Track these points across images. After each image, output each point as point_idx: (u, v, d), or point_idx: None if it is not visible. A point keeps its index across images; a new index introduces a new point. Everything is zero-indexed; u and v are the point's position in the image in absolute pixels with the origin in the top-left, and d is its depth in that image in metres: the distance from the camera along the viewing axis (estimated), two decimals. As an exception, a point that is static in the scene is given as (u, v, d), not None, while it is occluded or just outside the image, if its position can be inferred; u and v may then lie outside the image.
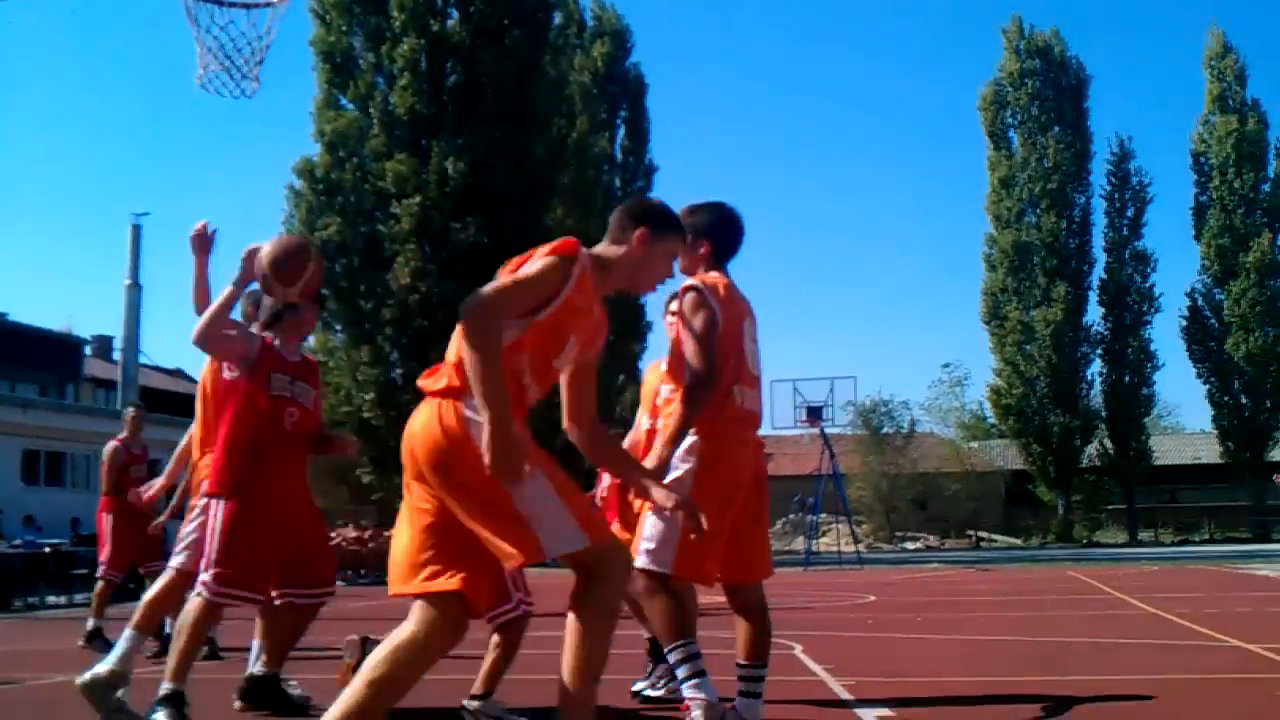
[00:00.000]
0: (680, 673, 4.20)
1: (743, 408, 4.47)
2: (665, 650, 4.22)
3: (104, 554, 9.72)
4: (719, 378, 4.27)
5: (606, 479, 6.95)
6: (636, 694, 6.04)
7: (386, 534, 23.82)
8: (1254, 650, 7.71)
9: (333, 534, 23.72)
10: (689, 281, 4.35)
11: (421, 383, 3.50)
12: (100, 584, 9.70)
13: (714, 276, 4.46)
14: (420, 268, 29.75)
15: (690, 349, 4.24)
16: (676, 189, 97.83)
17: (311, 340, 34.97)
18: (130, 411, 10.59)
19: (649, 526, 4.28)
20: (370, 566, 23.85)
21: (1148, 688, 6.47)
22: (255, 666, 5.67)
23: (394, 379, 31.28)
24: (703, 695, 4.16)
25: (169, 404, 39.06)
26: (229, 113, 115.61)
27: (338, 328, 31.53)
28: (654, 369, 6.19)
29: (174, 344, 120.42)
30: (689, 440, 4.30)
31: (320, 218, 30.61)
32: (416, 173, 30.27)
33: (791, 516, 45.02)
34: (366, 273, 30.38)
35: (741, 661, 4.56)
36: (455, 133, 30.62)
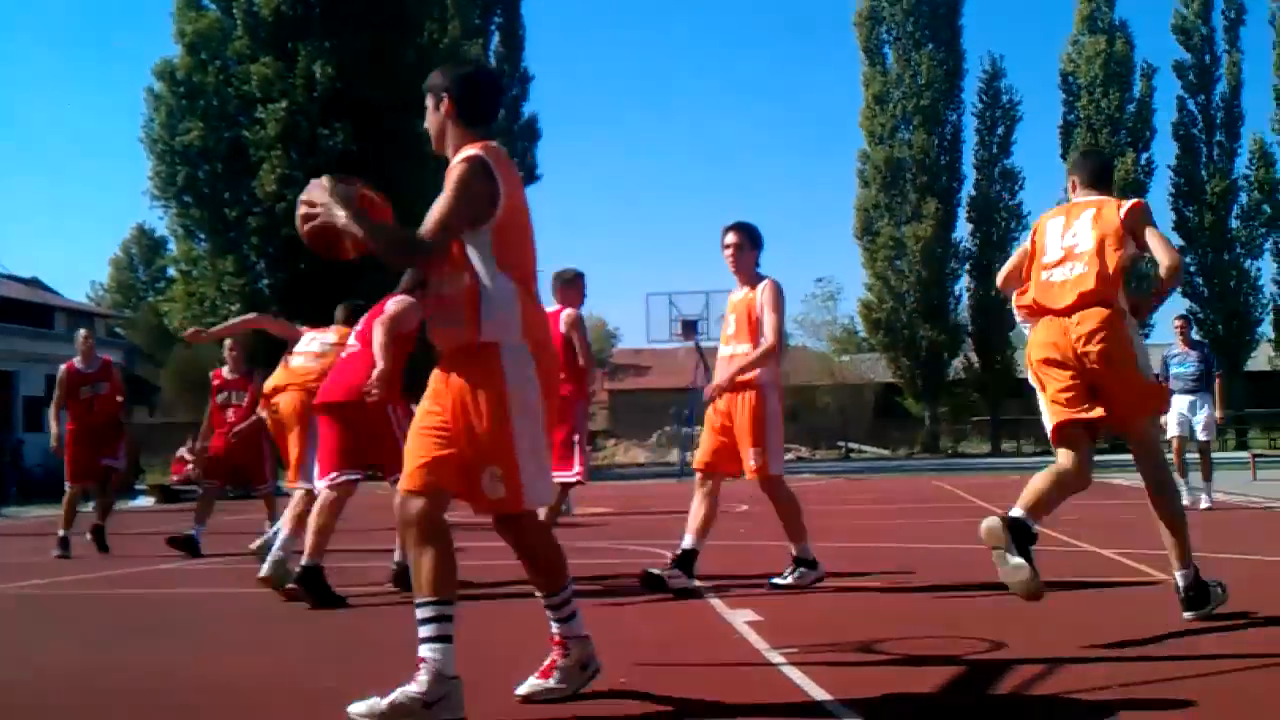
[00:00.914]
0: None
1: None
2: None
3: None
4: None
5: None
6: (772, 584, 6.65)
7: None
8: (1106, 554, 7.95)
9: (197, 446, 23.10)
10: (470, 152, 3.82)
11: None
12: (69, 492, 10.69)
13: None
14: (287, 175, 28.87)
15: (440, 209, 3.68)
16: (553, 99, 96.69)
17: (174, 248, 33.96)
18: (81, 335, 11.19)
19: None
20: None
21: (1003, 591, 6.61)
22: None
23: (260, 289, 30.48)
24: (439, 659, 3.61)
25: (25, 313, 37.65)
26: (83, 10, 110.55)
27: (201, 236, 30.57)
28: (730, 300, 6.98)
29: (30, 251, 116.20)
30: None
31: (181, 122, 29.48)
32: (282, 76, 29.31)
33: (667, 429, 45.40)
34: (231, 179, 29.42)
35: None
36: (322, 35, 29.66)
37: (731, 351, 6.73)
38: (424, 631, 3.58)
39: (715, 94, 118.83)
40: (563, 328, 8.27)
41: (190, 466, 22.95)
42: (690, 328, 27.30)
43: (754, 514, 13.21)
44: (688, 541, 6.64)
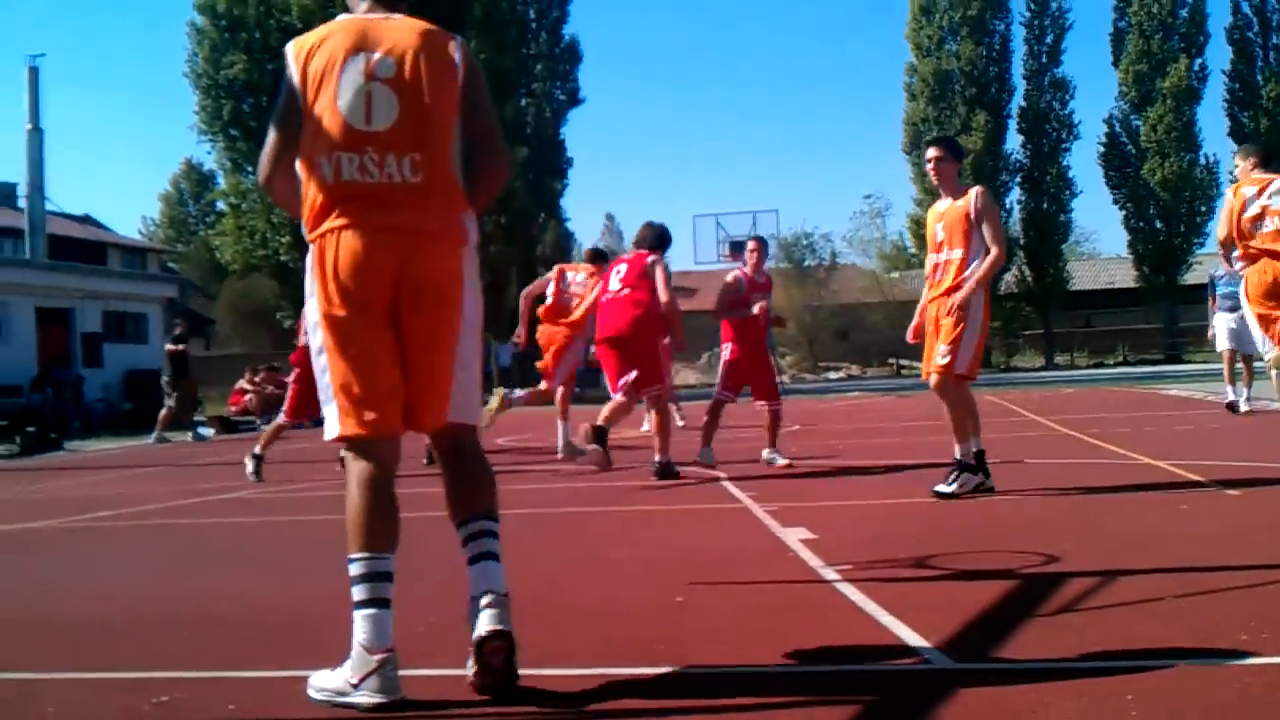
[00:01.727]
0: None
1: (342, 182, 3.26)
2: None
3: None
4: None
5: None
6: (937, 494, 6.86)
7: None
8: (1161, 465, 7.92)
9: (256, 378, 23.34)
10: None
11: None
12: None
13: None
14: (332, 105, 28.90)
15: None
16: (594, 21, 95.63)
17: (222, 182, 34.18)
18: None
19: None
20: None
21: (1058, 503, 6.62)
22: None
23: (310, 221, 30.68)
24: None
25: (78, 251, 38.09)
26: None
27: (249, 169, 30.69)
28: (934, 212, 7.33)
29: (81, 189, 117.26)
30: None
31: (225, 55, 29.49)
32: (323, 7, 29.13)
33: (716, 350, 45.35)
34: (276, 112, 29.50)
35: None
36: (363, -37, 29.44)
37: (946, 258, 7.05)
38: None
39: (760, 10, 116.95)
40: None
41: (249, 397, 23.30)
42: (738, 248, 27.14)
43: (804, 433, 13.25)
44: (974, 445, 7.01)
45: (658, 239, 9.21)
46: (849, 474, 9.03)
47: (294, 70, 3.30)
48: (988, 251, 6.89)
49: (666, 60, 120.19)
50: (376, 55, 3.24)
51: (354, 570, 3.23)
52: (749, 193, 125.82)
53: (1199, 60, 46.29)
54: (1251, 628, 3.50)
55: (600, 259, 11.17)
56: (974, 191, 7.06)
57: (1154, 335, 47.76)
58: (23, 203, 34.87)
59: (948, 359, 6.96)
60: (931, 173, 7.39)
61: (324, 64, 3.24)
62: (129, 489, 10.77)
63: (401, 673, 3.18)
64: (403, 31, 3.30)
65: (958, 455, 6.98)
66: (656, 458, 8.79)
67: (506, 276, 41.73)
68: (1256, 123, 45.23)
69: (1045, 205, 47.29)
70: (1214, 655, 3.25)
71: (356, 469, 3.25)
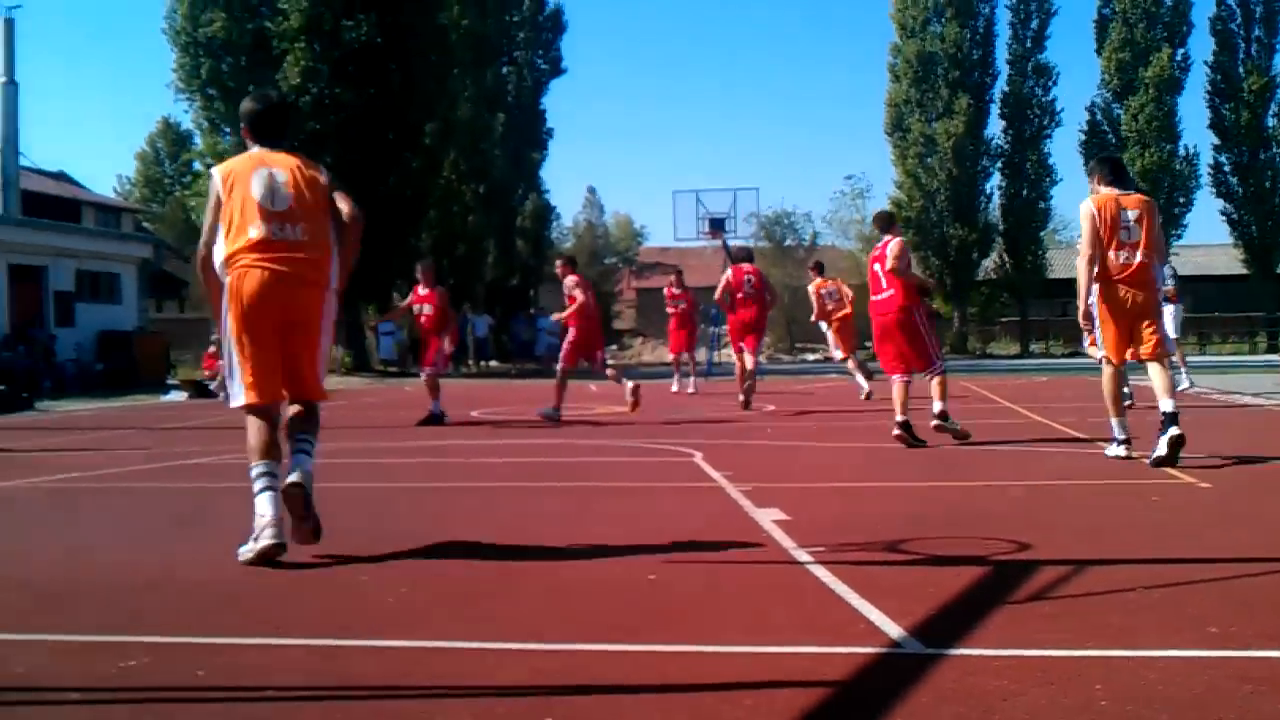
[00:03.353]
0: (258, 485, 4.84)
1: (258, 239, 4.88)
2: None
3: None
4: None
5: None
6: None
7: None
8: (1137, 457, 7.94)
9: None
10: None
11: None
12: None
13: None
14: (310, 67, 28.59)
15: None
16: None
17: (199, 143, 33.84)
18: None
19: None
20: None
21: (1031, 491, 6.65)
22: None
23: (286, 184, 30.40)
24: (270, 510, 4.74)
25: (52, 208, 37.71)
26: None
27: (226, 129, 30.34)
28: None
29: (56, 145, 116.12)
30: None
31: (204, 13, 29.12)
32: (300, -36, 28.83)
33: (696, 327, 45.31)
34: (255, 72, 29.09)
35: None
36: (346, -78, 29.12)
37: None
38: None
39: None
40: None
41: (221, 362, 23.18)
42: (718, 226, 27.12)
43: (779, 414, 13.27)
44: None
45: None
46: (824, 456, 9.05)
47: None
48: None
49: (650, 33, 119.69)
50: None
51: (256, 472, 4.80)
52: (730, 169, 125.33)
53: (1181, 50, 46.31)
54: (1221, 619, 3.52)
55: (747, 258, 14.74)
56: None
57: (1128, 324, 48.04)
58: (-4, 157, 34.48)
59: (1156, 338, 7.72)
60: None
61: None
62: (100, 450, 10.70)
63: (372, 643, 3.18)
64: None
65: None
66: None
67: (484, 246, 41.61)
68: (1237, 115, 45.39)
69: (1025, 192, 47.33)
70: (1183, 646, 3.27)
71: (253, 419, 4.91)
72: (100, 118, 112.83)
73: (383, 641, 3.50)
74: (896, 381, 9.27)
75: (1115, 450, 7.81)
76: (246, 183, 4.92)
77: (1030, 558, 4.56)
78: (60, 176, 45.88)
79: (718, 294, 14.03)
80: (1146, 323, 7.62)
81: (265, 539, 4.65)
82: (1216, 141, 46.28)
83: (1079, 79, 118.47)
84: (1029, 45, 47.56)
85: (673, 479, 7.59)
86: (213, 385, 20.18)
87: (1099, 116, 47.20)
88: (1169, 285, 13.68)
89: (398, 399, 18.97)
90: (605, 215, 68.43)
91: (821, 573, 4.29)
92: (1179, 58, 46.06)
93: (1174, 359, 13.60)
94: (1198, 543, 4.95)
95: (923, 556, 4.67)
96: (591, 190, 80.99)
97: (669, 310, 19.17)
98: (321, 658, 3.39)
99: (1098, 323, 7.80)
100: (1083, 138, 47.30)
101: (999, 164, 47.73)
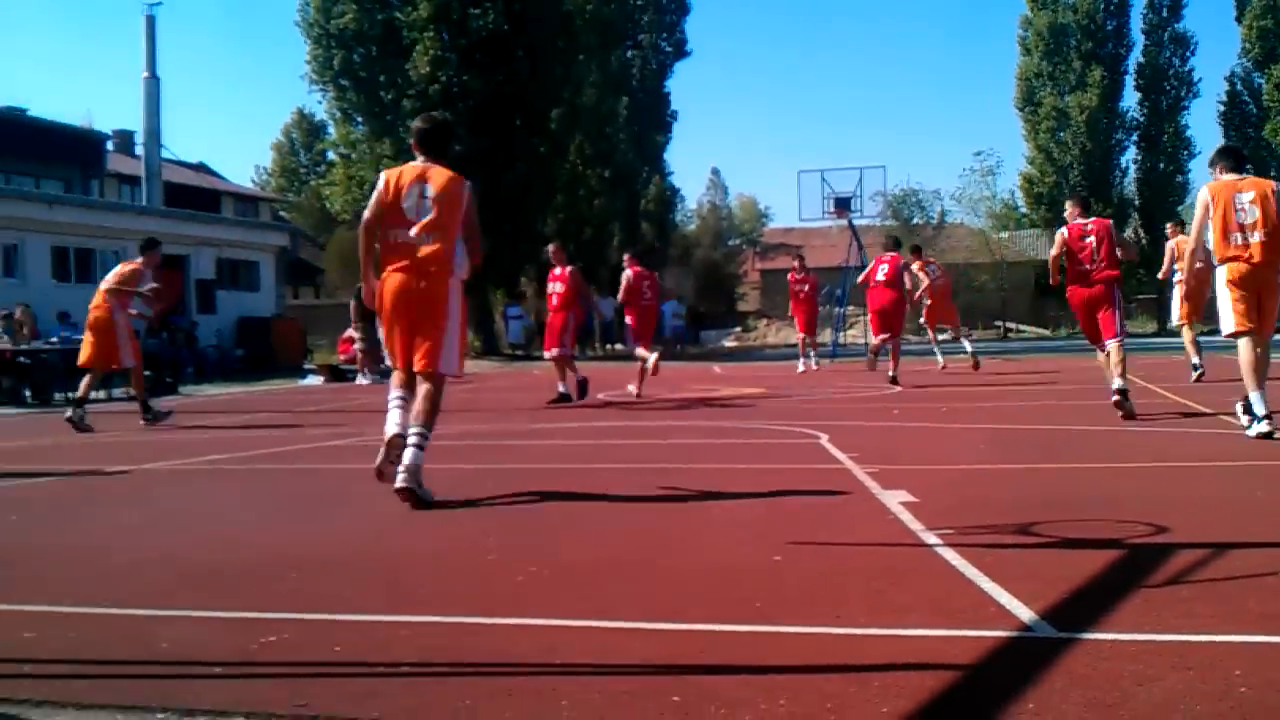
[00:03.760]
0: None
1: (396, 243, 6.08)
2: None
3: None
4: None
5: None
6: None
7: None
8: (1277, 437, 7.68)
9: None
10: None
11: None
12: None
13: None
14: (439, 56, 29.05)
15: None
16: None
17: (333, 132, 34.62)
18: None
19: None
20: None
21: (1169, 473, 6.48)
22: None
23: (417, 171, 30.91)
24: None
25: (194, 199, 38.98)
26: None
27: (359, 119, 31.04)
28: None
29: (196, 137, 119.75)
30: None
31: (336, 5, 29.78)
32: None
33: (820, 308, 44.95)
34: (386, 62, 29.71)
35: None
36: (474, -87, 29.46)
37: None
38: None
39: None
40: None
41: (358, 344, 23.71)
42: (844, 205, 26.81)
43: (907, 394, 13.12)
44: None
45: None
46: (951, 437, 8.93)
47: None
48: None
49: (774, 12, 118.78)
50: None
51: (392, 398, 6.11)
52: (856, 148, 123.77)
53: (1334, 16, 44.44)
54: (1369, 607, 3.39)
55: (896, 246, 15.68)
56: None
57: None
58: (140, 150, 35.75)
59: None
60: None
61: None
62: (241, 433, 11.06)
63: (501, 620, 3.36)
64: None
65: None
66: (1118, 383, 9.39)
67: (609, 230, 41.83)
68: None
69: (1162, 165, 45.94)
70: (1328, 634, 3.16)
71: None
72: (239, 110, 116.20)
73: (511, 619, 3.57)
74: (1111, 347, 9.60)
75: (1260, 427, 7.67)
76: (396, 191, 6.06)
77: (1166, 541, 4.45)
78: (200, 168, 47.43)
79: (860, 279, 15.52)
80: (1269, 298, 7.94)
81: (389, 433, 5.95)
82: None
83: (1218, 48, 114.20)
84: (1165, 14, 46.09)
85: (799, 461, 7.57)
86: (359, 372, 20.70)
87: (1239, 87, 45.55)
88: None
89: (525, 382, 19.23)
90: (729, 197, 68.31)
91: (950, 555, 4.25)
92: (1330, 25, 44.15)
93: None
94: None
95: (1054, 539, 4.59)
96: (715, 172, 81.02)
97: (793, 293, 20.05)
98: (453, 634, 3.47)
99: (1222, 300, 8.07)
100: (1222, 109, 45.69)
101: (1134, 137, 46.40)
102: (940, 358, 18.78)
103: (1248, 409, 7.86)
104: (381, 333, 6.21)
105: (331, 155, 40.70)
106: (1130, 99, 46.51)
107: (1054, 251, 9.86)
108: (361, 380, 20.49)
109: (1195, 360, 14.01)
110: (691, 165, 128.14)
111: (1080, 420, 9.66)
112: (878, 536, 4.76)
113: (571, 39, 32.54)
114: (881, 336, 14.71)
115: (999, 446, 8.13)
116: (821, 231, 48.88)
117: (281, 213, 58.17)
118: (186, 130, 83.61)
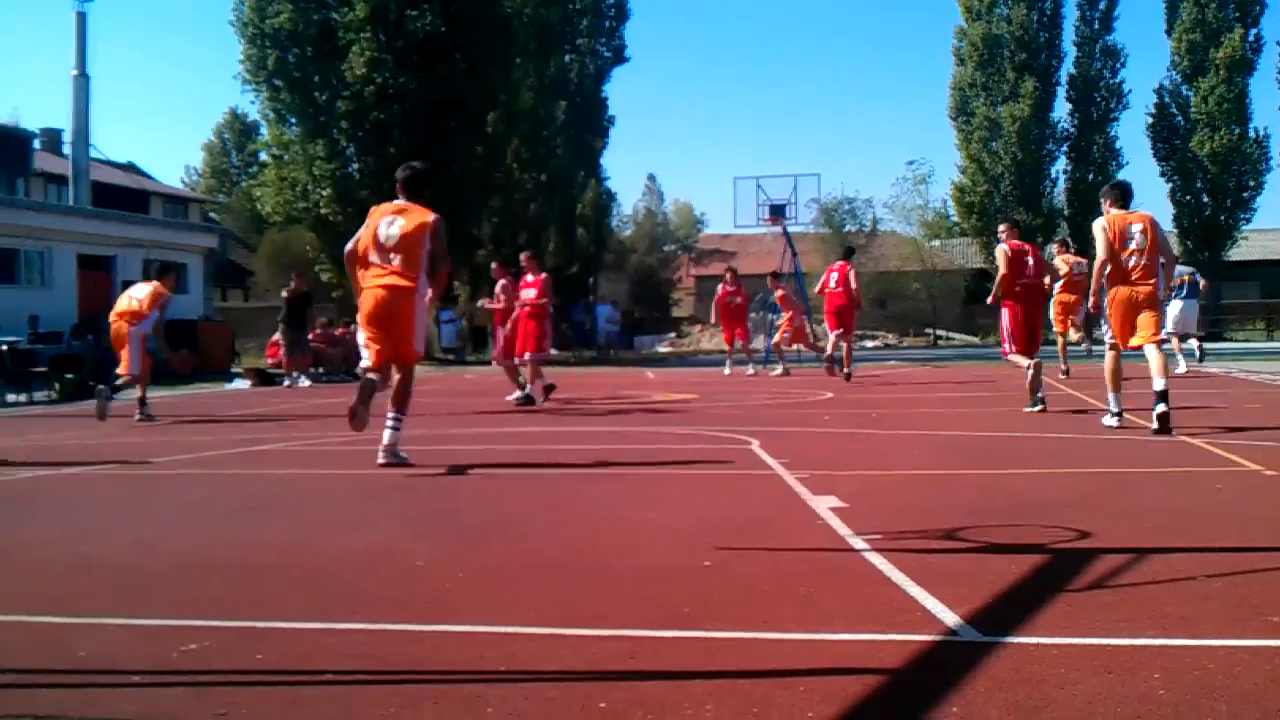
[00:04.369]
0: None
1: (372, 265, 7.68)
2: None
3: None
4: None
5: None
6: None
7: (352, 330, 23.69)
8: (1197, 444, 7.84)
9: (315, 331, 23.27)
10: None
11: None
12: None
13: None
14: (375, 57, 28.82)
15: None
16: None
17: (265, 133, 34.23)
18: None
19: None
20: (334, 364, 23.50)
21: (1092, 479, 6.57)
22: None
23: (350, 173, 30.65)
24: None
25: (122, 199, 38.35)
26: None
27: (292, 120, 30.68)
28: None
29: (126, 137, 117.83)
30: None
31: (271, 4, 29.44)
32: (365, -40, 29.03)
33: (753, 315, 45.13)
34: (321, 62, 29.42)
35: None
36: (409, -87, 29.26)
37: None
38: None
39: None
40: None
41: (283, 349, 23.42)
42: (778, 212, 26.96)
43: (837, 400, 13.22)
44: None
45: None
46: (882, 443, 9.00)
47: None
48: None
49: (712, 20, 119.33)
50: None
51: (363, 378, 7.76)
52: (792, 156, 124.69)
53: (1254, 30, 45.38)
54: (1284, 610, 3.46)
55: None
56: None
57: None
58: (67, 149, 35.12)
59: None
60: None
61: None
62: (166, 437, 10.89)
63: (429, 627, 3.32)
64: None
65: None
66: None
67: (545, 235, 41.73)
68: (1310, 96, 44.44)
69: (1091, 176, 46.56)
70: (1244, 635, 3.22)
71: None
72: (169, 109, 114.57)
73: (438, 626, 3.54)
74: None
75: (1109, 420, 9.20)
76: (375, 223, 7.69)
77: (1090, 546, 4.51)
78: (129, 168, 46.69)
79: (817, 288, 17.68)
80: (1148, 313, 9.04)
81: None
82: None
83: (1148, 61, 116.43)
84: (1097, 27, 46.80)
85: (730, 466, 7.59)
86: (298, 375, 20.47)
87: (1168, 99, 46.40)
88: (1183, 276, 17.21)
89: (459, 386, 19.13)
90: (665, 203, 68.50)
91: (878, 560, 4.28)
92: (1251, 38, 45.11)
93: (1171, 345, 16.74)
94: (1261, 531, 4.87)
95: (981, 544, 4.64)
96: (651, 178, 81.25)
97: (723, 304, 20.85)
98: (379, 642, 3.43)
99: (1111, 315, 9.27)
100: (1151, 120, 46.51)
101: (1065, 147, 47.04)
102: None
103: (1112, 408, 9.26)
104: (362, 335, 7.71)
105: (264, 156, 40.24)
106: (1061, 110, 47.22)
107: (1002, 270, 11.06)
108: (288, 384, 20.27)
109: (1063, 366, 16.90)
110: (628, 171, 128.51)
111: (1008, 427, 9.78)
112: (807, 542, 4.78)
113: (509, 42, 32.43)
114: (836, 333, 16.75)
115: (928, 452, 8.20)
116: (756, 238, 49.11)
117: (211, 214, 57.42)
118: (115, 129, 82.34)
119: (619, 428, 10.79)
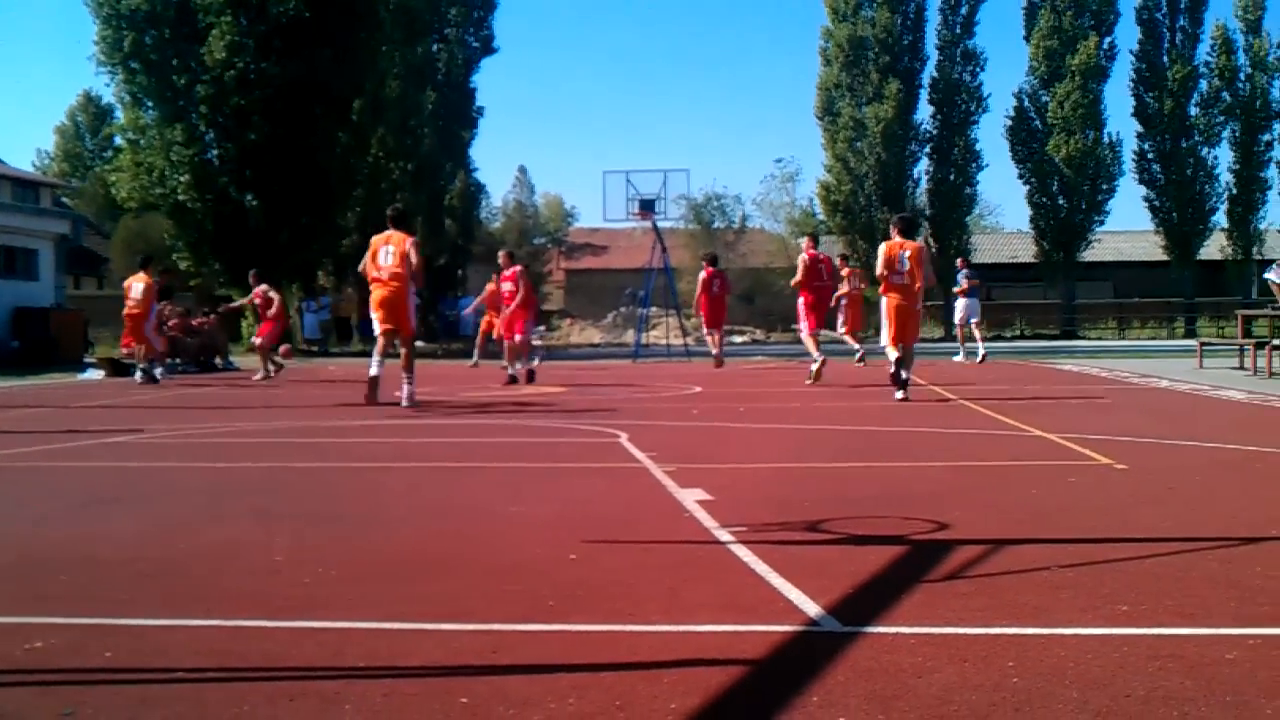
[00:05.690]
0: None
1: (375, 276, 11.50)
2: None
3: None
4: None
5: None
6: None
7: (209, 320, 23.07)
8: (1051, 438, 8.08)
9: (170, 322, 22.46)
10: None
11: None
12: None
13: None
14: (236, 41, 28.08)
15: None
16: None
17: (121, 116, 33.13)
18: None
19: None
20: (191, 353, 22.77)
21: (951, 472, 6.73)
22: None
23: (210, 159, 29.83)
24: None
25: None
26: None
27: (149, 103, 29.70)
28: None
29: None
30: None
31: (127, -16, 28.44)
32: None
33: (622, 309, 45.34)
34: (179, 45, 28.54)
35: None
36: (273, -105, 28.58)
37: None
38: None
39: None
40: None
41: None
42: (648, 207, 27.05)
43: (705, 394, 13.31)
44: None
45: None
46: (750, 437, 9.09)
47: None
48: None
49: (582, 13, 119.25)
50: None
51: (374, 359, 11.72)
52: (662, 151, 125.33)
53: (1108, 39, 46.97)
54: (1132, 599, 3.58)
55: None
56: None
57: (1051, 310, 48.65)
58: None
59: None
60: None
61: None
62: (12, 428, 10.47)
63: (285, 624, 3.20)
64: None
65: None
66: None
67: (412, 225, 41.19)
68: (1160, 103, 46.17)
69: (952, 177, 47.74)
70: (1095, 624, 3.32)
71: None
72: (19, 91, 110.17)
73: (296, 622, 3.46)
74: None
75: (899, 395, 11.64)
76: (376, 248, 11.49)
77: (948, 537, 4.61)
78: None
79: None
80: (914, 321, 12.11)
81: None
82: (1140, 129, 47.07)
83: (1007, 66, 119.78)
84: (958, 31, 47.90)
85: (597, 459, 7.59)
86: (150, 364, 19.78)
87: (1026, 103, 47.76)
88: (962, 284, 21.32)
89: (321, 377, 18.77)
90: (535, 195, 68.22)
91: (742, 552, 4.31)
92: (1105, 46, 46.70)
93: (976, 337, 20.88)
94: (1112, 523, 5.03)
95: (843, 536, 4.71)
96: (522, 170, 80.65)
97: (705, 288, 20.55)
98: (233, 639, 3.33)
99: (886, 321, 12.08)
100: (1010, 124, 47.86)
101: (927, 149, 48.11)
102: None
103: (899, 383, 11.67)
104: (377, 327, 11.45)
105: (119, 140, 38.90)
106: (924, 112, 48.24)
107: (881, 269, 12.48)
108: (139, 376, 19.48)
109: (859, 351, 19.59)
110: (498, 163, 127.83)
111: (874, 421, 9.96)
112: (673, 534, 4.79)
113: (375, 28, 31.89)
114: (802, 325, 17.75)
115: (795, 446, 8.31)
116: (625, 233, 49.28)
117: (64, 199, 55.39)
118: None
119: (488, 421, 10.71)
